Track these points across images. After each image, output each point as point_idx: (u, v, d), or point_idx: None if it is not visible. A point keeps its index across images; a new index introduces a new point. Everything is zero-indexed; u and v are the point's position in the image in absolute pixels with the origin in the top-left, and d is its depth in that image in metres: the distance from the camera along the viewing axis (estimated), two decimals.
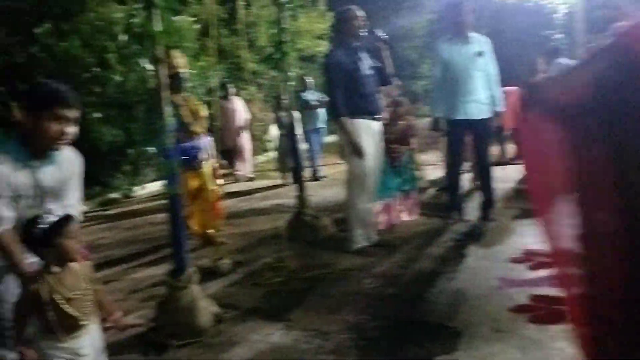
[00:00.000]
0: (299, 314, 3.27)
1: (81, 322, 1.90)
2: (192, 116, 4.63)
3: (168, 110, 3.09)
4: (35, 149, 2.05)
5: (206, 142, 4.81)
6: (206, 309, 3.17)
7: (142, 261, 4.71)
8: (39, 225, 1.87)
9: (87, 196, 8.18)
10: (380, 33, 4.32)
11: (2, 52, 8.58)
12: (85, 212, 7.50)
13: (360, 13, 4.18)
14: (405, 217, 5.19)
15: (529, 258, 3.78)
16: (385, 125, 4.53)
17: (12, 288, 2.04)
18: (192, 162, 4.59)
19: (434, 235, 4.67)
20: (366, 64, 4.22)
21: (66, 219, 1.91)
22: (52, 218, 1.89)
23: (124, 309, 3.56)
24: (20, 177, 2.00)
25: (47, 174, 2.11)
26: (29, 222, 1.88)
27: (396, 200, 5.09)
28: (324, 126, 8.80)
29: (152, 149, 8.70)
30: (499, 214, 5.04)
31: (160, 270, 3.98)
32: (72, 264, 1.89)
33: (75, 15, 8.81)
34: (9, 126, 2.17)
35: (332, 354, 2.76)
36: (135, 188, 8.75)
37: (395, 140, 4.99)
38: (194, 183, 4.69)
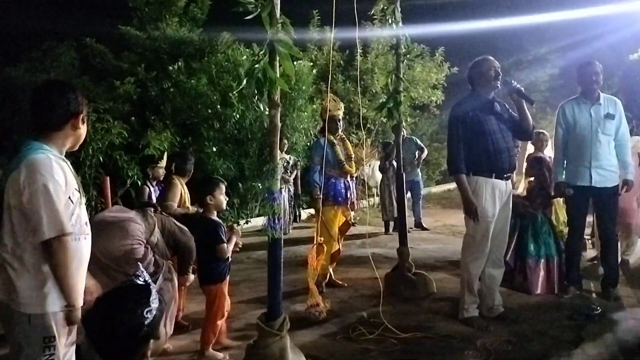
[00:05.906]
0: None
1: None
2: (346, 156, 5.02)
3: (278, 154, 3.13)
4: None
5: (354, 183, 5.16)
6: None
7: (239, 298, 4.71)
8: None
9: None
10: (516, 84, 3.91)
11: (140, 85, 9.45)
12: None
13: (496, 63, 3.91)
14: (536, 288, 4.64)
15: None
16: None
17: None
18: (343, 200, 4.91)
19: (548, 310, 4.21)
20: (499, 118, 3.92)
21: None
22: None
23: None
24: None
25: None
26: None
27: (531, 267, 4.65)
28: (420, 178, 8.68)
29: (259, 185, 9.02)
30: (624, 293, 4.49)
31: (255, 310, 3.98)
32: None
33: (206, 55, 9.50)
34: None
35: None
36: (241, 221, 9.03)
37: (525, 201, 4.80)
38: (340, 220, 4.96)
